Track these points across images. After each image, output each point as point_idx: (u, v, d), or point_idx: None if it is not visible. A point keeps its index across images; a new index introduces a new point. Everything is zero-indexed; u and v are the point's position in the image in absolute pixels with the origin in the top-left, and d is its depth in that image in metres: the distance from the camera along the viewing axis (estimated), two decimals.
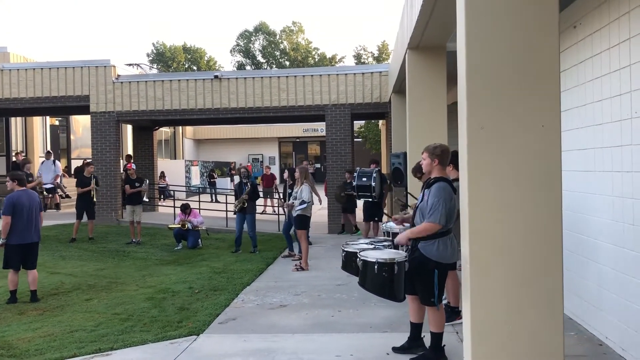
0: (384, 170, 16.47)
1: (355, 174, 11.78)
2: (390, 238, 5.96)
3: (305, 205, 9.46)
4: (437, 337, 4.91)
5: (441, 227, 4.72)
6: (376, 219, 12.11)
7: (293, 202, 9.66)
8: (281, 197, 11.38)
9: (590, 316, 5.57)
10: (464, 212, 3.73)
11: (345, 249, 5.35)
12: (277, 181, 21.32)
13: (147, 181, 12.89)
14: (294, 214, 9.67)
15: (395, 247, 5.16)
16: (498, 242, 3.54)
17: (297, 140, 38.37)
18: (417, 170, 5.99)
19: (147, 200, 12.82)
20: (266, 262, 10.30)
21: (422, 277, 4.77)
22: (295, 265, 9.68)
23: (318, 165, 38.03)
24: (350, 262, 5.22)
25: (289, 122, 30.86)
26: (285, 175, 11.60)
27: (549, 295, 3.50)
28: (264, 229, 14.55)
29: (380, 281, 4.72)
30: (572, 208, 5.79)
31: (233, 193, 13.20)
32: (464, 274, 3.80)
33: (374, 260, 4.71)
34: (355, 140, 20.53)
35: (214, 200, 23.67)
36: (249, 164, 35.82)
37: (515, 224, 3.53)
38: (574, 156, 5.75)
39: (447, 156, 4.89)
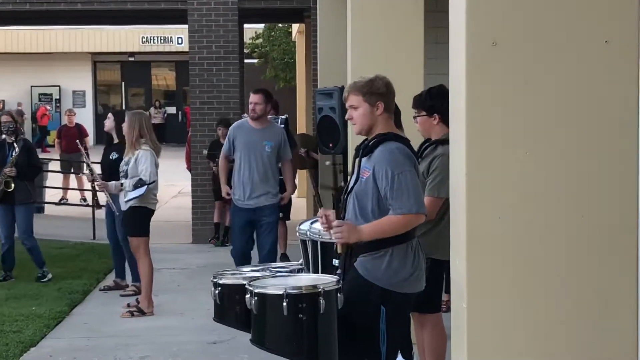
0: (301, 122, 16.56)
1: None
2: (310, 252, 6.03)
3: (144, 189, 9.35)
4: None
5: (424, 216, 4.90)
6: (281, 215, 12.18)
7: (121, 183, 9.54)
8: (90, 169, 11.05)
9: None
10: (457, 199, 3.82)
11: (222, 281, 5.36)
12: (90, 139, 20.95)
13: None
14: (124, 205, 9.56)
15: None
16: (522, 258, 3.67)
17: (131, 59, 38.03)
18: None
19: None
20: (70, 299, 10.18)
21: (357, 315, 4.89)
22: (129, 305, 9.63)
23: (173, 111, 37.73)
24: (232, 304, 5.27)
25: (115, 25, 30.46)
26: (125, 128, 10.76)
27: (611, 354, 3.67)
28: (65, 235, 14.27)
29: (294, 331, 4.79)
30: None
31: None
32: (456, 318, 3.90)
33: (282, 293, 4.75)
34: (246, 62, 20.51)
35: None
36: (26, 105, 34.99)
37: (553, 223, 3.66)
38: None
39: (394, 96, 5.09)
